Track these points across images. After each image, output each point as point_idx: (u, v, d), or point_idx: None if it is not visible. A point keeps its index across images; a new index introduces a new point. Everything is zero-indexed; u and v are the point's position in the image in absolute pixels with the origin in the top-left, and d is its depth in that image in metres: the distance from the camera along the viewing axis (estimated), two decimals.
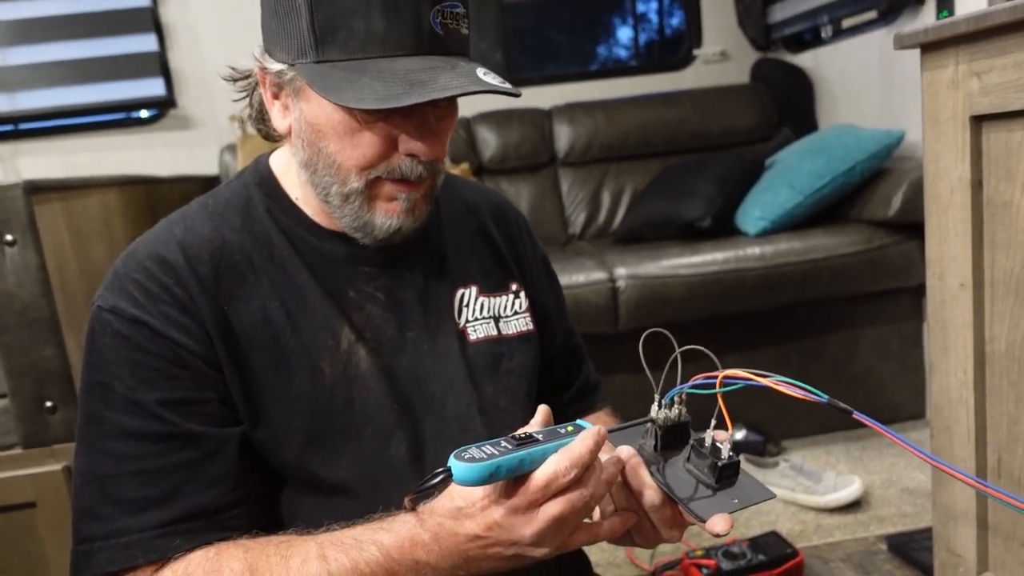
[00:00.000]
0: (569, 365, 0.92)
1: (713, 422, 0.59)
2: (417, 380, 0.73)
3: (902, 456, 1.85)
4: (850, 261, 1.88)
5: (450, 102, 0.67)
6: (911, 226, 1.86)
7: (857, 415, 0.57)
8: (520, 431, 0.56)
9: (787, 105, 2.61)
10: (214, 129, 2.58)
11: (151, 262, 0.67)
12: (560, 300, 0.92)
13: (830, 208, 2.01)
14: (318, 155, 0.67)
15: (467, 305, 0.78)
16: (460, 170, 2.40)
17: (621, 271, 1.88)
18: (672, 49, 3.55)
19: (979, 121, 0.82)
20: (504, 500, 0.54)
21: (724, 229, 2.09)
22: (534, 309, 0.83)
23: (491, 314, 0.79)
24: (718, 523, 0.55)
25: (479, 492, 0.55)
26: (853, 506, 1.64)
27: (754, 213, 2.03)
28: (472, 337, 0.77)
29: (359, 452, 0.69)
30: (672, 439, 0.62)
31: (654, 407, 0.61)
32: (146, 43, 2.56)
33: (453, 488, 0.57)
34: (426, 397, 0.73)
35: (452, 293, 0.78)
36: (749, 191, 2.13)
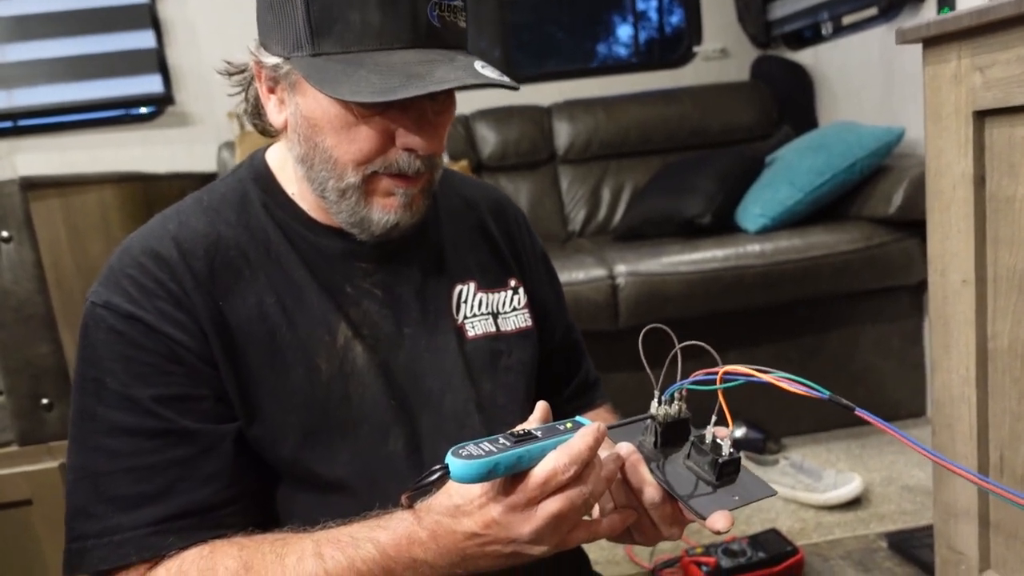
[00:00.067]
0: (568, 361, 0.91)
1: (714, 418, 0.59)
2: (414, 376, 0.72)
3: (902, 454, 1.85)
4: (850, 258, 1.87)
5: (448, 96, 0.67)
6: (911, 223, 1.86)
7: (859, 411, 0.56)
8: (518, 428, 0.55)
9: (787, 102, 2.60)
10: (212, 126, 2.57)
11: (145, 257, 0.66)
12: (559, 296, 0.91)
13: (830, 205, 2.01)
14: (314, 150, 0.66)
15: (465, 301, 0.78)
16: (459, 167, 2.39)
17: (621, 268, 1.87)
18: (672, 47, 3.54)
19: (982, 116, 0.82)
20: (502, 497, 0.53)
21: (724, 226, 2.08)
22: (533, 305, 0.83)
23: (489, 310, 0.79)
24: (719, 520, 0.55)
25: (477, 489, 0.54)
26: (853, 504, 1.63)
27: (754, 210, 2.03)
28: (470, 333, 0.77)
29: (356, 449, 0.68)
30: (672, 436, 0.61)
31: (654, 403, 0.61)
32: (144, 39, 2.55)
33: (451, 485, 0.56)
34: (423, 393, 0.72)
35: (450, 289, 0.77)
36: (749, 188, 2.13)
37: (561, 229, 2.55)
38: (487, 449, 0.51)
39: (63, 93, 2.55)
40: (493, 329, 0.78)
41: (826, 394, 0.55)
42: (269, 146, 0.77)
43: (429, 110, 0.65)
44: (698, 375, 0.58)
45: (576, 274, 1.86)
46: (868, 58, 2.25)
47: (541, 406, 0.60)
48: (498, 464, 0.51)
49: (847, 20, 2.42)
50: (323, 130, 0.65)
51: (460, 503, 0.55)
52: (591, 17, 3.72)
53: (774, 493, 0.60)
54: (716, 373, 0.57)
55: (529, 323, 0.81)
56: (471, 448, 0.51)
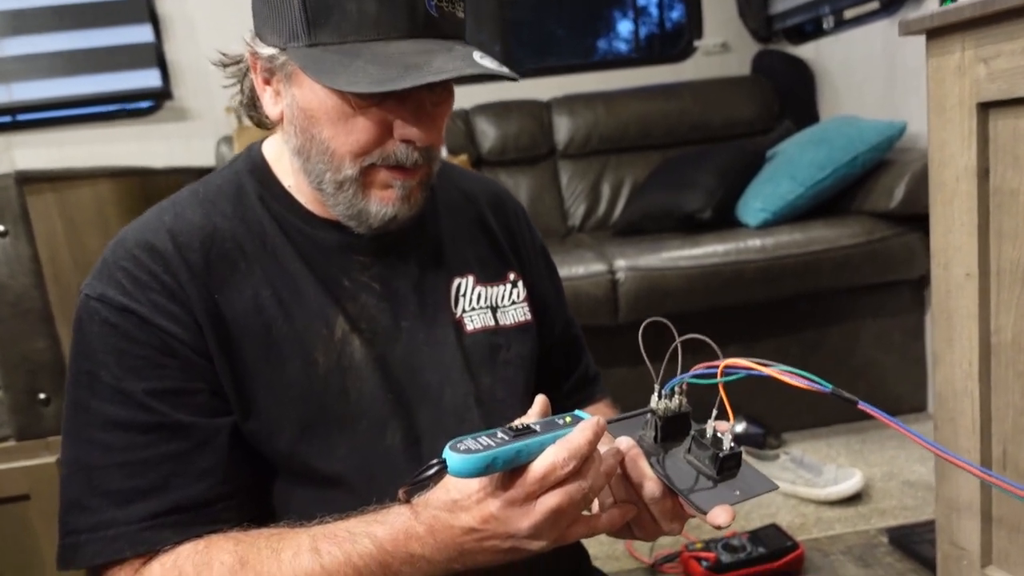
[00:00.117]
0: (568, 356, 0.90)
1: (714, 412, 0.58)
2: (412, 370, 0.72)
3: (903, 449, 1.84)
4: (851, 253, 1.87)
5: (446, 87, 0.66)
6: (913, 218, 1.85)
7: (862, 405, 0.55)
8: (517, 422, 0.54)
9: (788, 97, 2.59)
10: (211, 121, 2.56)
11: (139, 250, 0.65)
12: (559, 290, 0.90)
13: (831, 200, 2.00)
14: (311, 141, 0.65)
15: (464, 295, 0.77)
16: (459, 162, 2.38)
17: (621, 263, 1.87)
18: (672, 41, 3.53)
19: (986, 108, 0.81)
20: (500, 492, 0.52)
21: (725, 221, 2.07)
22: (532, 299, 0.82)
23: (488, 304, 0.78)
24: (719, 515, 0.54)
25: (475, 484, 0.53)
26: (854, 499, 1.63)
27: (755, 205, 2.02)
28: (469, 327, 0.76)
29: (353, 443, 0.68)
30: (672, 430, 0.60)
31: (654, 397, 0.60)
32: (142, 34, 2.54)
33: (448, 480, 0.55)
34: (421, 387, 0.72)
35: (448, 283, 0.76)
36: (750, 183, 2.12)
37: (561, 224, 2.55)
38: (485, 443, 0.50)
39: (60, 88, 2.54)
40: (492, 323, 0.77)
41: (828, 387, 0.55)
42: (266, 138, 0.76)
43: (427, 101, 0.65)
44: (698, 369, 0.58)
45: (576, 269, 1.85)
46: (870, 52, 2.24)
47: (540, 400, 0.60)
48: (496, 458, 0.50)
49: (849, 14, 2.41)
50: (320, 121, 0.64)
51: (458, 498, 0.54)
52: (591, 13, 3.70)
53: (776, 487, 0.59)
54: (717, 367, 0.56)
55: (528, 317, 0.81)
56: (469, 442, 0.51)
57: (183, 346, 0.63)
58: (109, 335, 0.63)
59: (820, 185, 1.95)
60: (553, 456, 0.52)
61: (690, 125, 2.56)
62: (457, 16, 0.64)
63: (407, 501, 0.57)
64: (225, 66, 0.73)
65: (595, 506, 0.60)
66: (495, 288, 0.79)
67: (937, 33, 0.85)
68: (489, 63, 0.61)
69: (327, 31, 0.60)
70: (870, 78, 2.25)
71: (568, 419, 0.55)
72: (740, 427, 1.86)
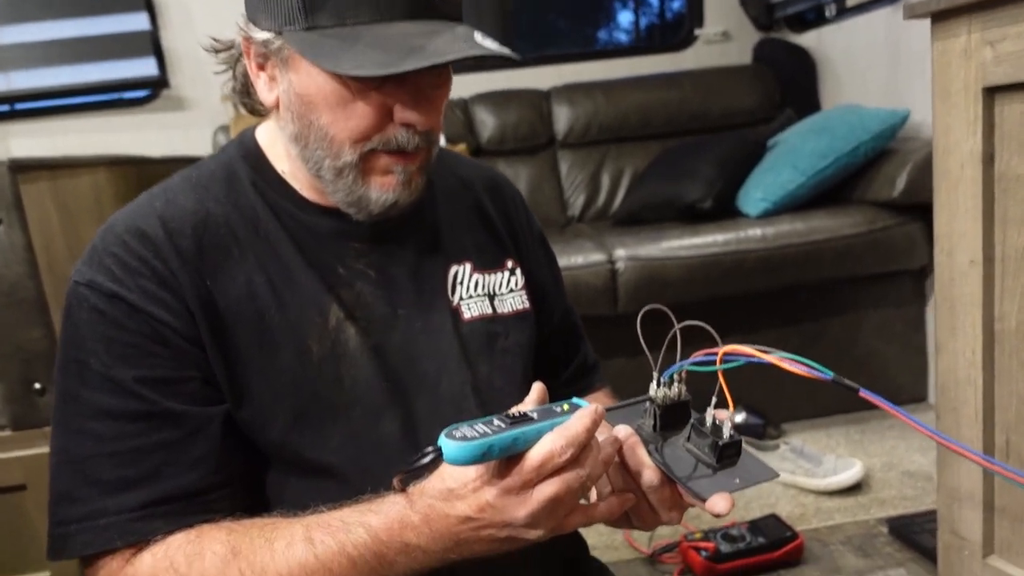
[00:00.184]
0: (567, 344, 0.89)
1: (714, 400, 0.57)
2: (409, 359, 0.71)
3: (903, 439, 1.84)
4: (853, 242, 1.86)
5: (445, 69, 0.65)
6: (915, 207, 1.84)
7: (864, 393, 0.54)
8: (514, 409, 0.54)
9: (790, 85, 2.57)
10: (208, 110, 2.54)
11: (130, 235, 0.64)
12: (557, 278, 0.89)
13: (833, 189, 1.99)
14: (309, 128, 0.64)
15: (461, 282, 0.76)
16: (458, 151, 2.36)
17: (620, 253, 1.85)
18: (673, 31, 3.50)
19: (992, 92, 0.80)
20: (497, 481, 0.52)
21: (725, 211, 2.06)
22: (530, 287, 0.81)
23: (486, 292, 0.77)
24: (719, 502, 0.53)
25: (471, 473, 0.53)
26: (854, 489, 1.62)
27: (756, 194, 2.01)
28: (466, 315, 0.75)
29: (348, 432, 0.67)
30: (672, 419, 0.59)
31: (653, 386, 0.59)
32: (138, 22, 2.52)
33: (444, 468, 0.54)
34: (418, 376, 0.71)
35: (445, 270, 0.75)
36: (751, 172, 2.10)
37: (560, 214, 2.53)
38: (481, 431, 0.50)
39: (56, 76, 2.52)
40: (489, 311, 0.76)
41: (829, 375, 0.54)
42: (259, 124, 0.75)
43: (427, 84, 0.63)
44: (698, 356, 0.57)
45: (575, 259, 1.84)
46: (873, 40, 2.22)
47: (537, 387, 0.59)
48: (493, 446, 0.49)
49: (851, 1, 2.38)
50: (318, 107, 0.63)
51: (454, 486, 0.53)
52: (591, 2, 3.67)
53: (777, 475, 0.58)
54: (716, 354, 0.55)
55: (526, 305, 0.80)
56: (465, 430, 0.50)
57: (174, 334, 0.62)
58: (98, 322, 0.62)
59: (821, 174, 1.94)
60: (550, 444, 0.51)
61: (690, 114, 2.54)
62: None
63: (402, 490, 0.56)
64: (217, 52, 0.72)
65: (593, 495, 0.59)
66: (493, 275, 0.78)
67: (942, 16, 0.83)
68: (491, 44, 0.60)
69: (325, 14, 0.59)
70: (873, 66, 2.23)
71: (566, 407, 0.54)
72: (740, 417, 1.85)
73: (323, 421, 0.66)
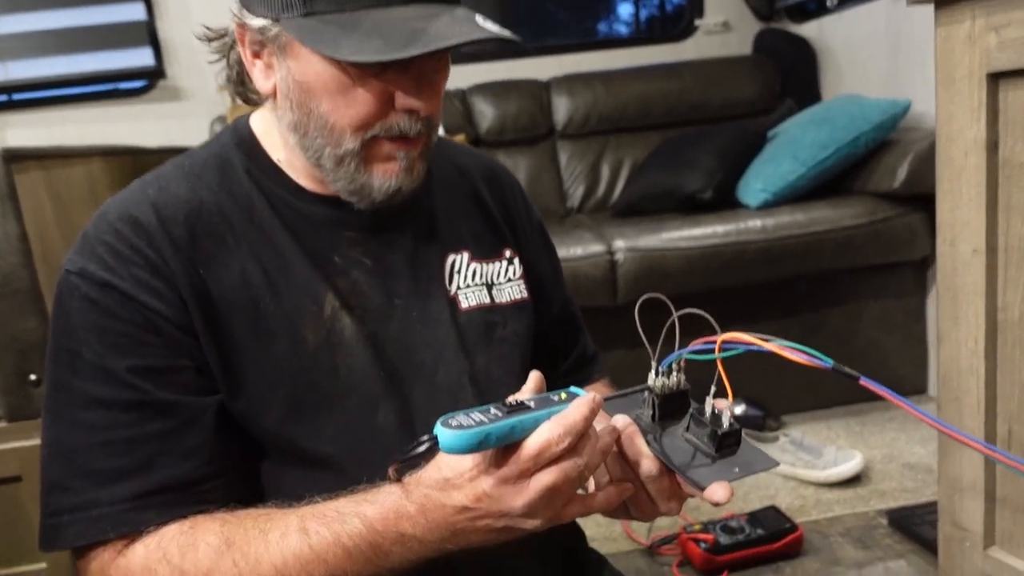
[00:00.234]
0: (566, 335, 0.89)
1: (713, 389, 0.56)
2: (406, 348, 0.70)
3: (903, 431, 1.83)
4: (853, 233, 1.85)
5: (444, 53, 0.63)
6: (916, 198, 1.83)
7: (864, 380, 0.54)
8: (511, 398, 0.53)
9: (790, 76, 2.56)
10: (205, 100, 2.52)
11: (122, 223, 0.63)
12: (557, 268, 0.89)
13: (834, 180, 1.98)
14: (308, 116, 0.63)
15: (458, 271, 0.75)
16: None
17: (620, 244, 1.85)
18: (673, 21, 3.48)
19: (996, 79, 0.78)
20: (494, 470, 0.51)
21: (725, 202, 2.05)
22: (529, 276, 0.80)
23: (483, 281, 0.76)
24: (717, 491, 0.52)
25: (467, 462, 0.52)
26: (853, 481, 1.62)
27: (756, 185, 2.00)
28: (464, 305, 0.74)
29: (344, 422, 0.66)
30: (671, 408, 0.59)
31: (651, 375, 0.58)
32: (134, 12, 2.50)
33: (440, 458, 0.54)
34: (415, 365, 0.70)
35: (442, 259, 0.74)
36: (751, 163, 2.09)
37: (559, 205, 2.52)
38: (478, 419, 0.49)
39: (52, 66, 2.50)
40: (487, 300, 0.76)
41: (829, 363, 0.53)
42: (253, 112, 0.74)
43: (429, 69, 0.62)
44: (697, 344, 0.56)
45: (574, 250, 1.83)
46: (874, 29, 2.20)
47: (534, 376, 0.58)
48: (489, 435, 0.48)
49: None
50: (317, 95, 0.62)
51: (450, 476, 0.53)
52: None
53: (776, 464, 0.58)
54: (715, 342, 0.54)
55: (524, 295, 0.79)
56: (461, 418, 0.49)
57: (167, 323, 0.61)
58: (90, 311, 0.61)
59: (822, 165, 1.92)
60: (548, 432, 0.50)
61: (690, 105, 2.53)
62: None
63: (397, 479, 0.55)
64: (210, 40, 0.71)
65: (591, 485, 0.59)
66: (491, 265, 0.77)
67: (946, 2, 0.82)
68: (492, 26, 0.59)
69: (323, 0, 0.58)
70: (874, 56, 2.21)
71: (563, 395, 0.54)
72: (739, 409, 1.85)
73: (318, 411, 0.66)
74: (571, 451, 0.51)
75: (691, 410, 0.58)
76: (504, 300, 0.77)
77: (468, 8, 0.62)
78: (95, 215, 0.66)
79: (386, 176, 0.65)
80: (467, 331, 0.73)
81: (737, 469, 0.55)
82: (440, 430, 0.49)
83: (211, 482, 0.62)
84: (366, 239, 0.70)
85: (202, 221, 0.65)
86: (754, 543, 1.38)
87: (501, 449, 0.51)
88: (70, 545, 0.59)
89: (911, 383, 1.98)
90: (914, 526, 1.41)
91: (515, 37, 0.60)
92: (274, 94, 0.66)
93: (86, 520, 0.58)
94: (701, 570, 1.37)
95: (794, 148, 1.98)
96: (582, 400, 0.52)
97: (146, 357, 0.61)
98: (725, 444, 0.56)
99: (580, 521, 0.81)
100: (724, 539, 1.37)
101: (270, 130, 0.70)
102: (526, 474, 0.50)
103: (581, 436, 0.51)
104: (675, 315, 0.56)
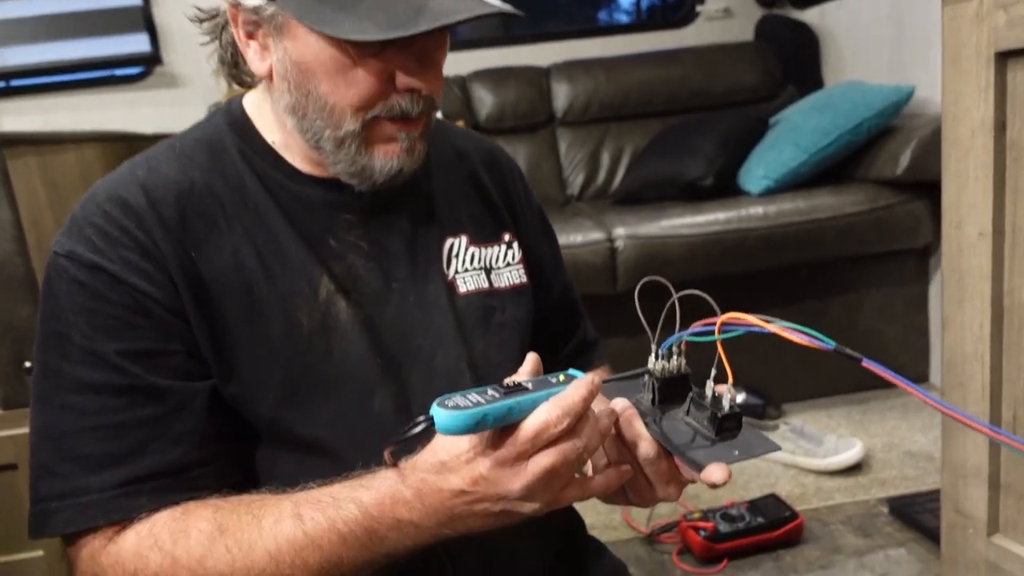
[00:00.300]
0: (566, 320, 0.88)
1: (713, 372, 0.55)
2: (403, 333, 0.69)
3: (904, 419, 1.83)
4: (855, 221, 1.83)
5: (443, 29, 0.62)
6: (919, 185, 1.81)
7: (866, 362, 0.53)
8: (508, 379, 0.52)
9: (792, 62, 2.53)
10: (201, 87, 2.50)
11: (111, 204, 0.62)
12: (556, 253, 0.87)
13: (836, 167, 1.96)
14: (307, 98, 0.61)
15: (457, 256, 0.74)
16: None
17: (620, 231, 1.83)
18: (674, 7, 3.45)
19: (1004, 58, 0.77)
20: (491, 452, 0.50)
21: (727, 189, 2.04)
22: (528, 261, 0.79)
23: (482, 265, 0.75)
24: (714, 471, 0.51)
25: (464, 445, 0.51)
26: (854, 469, 1.62)
27: (757, 172, 1.98)
28: (462, 289, 0.73)
29: (339, 407, 0.65)
30: (671, 393, 0.57)
31: (651, 358, 0.57)
32: None
33: (436, 442, 0.53)
34: (412, 351, 0.69)
35: (440, 242, 0.73)
36: (752, 150, 2.08)
37: (559, 193, 2.51)
38: (475, 400, 0.48)
39: (47, 52, 2.48)
40: (486, 285, 0.74)
41: (831, 344, 0.52)
42: (246, 92, 0.72)
43: (430, 46, 0.61)
44: (697, 326, 0.55)
45: (574, 237, 1.81)
46: (876, 15, 2.18)
47: (531, 358, 0.57)
48: (487, 415, 0.47)
49: None
50: (316, 76, 0.60)
51: (446, 459, 0.51)
52: None
53: (777, 448, 0.56)
54: (716, 323, 0.53)
55: (524, 279, 0.77)
56: (458, 399, 0.48)
57: (157, 305, 0.60)
58: (78, 294, 0.59)
59: (824, 152, 1.91)
60: (546, 414, 0.49)
61: (692, 92, 2.51)
62: None
63: (393, 463, 0.54)
64: (201, 21, 0.69)
65: (588, 469, 0.58)
66: (489, 249, 0.76)
67: None
68: (496, 0, 0.57)
69: None
70: (876, 42, 2.19)
71: (562, 377, 0.53)
72: (740, 397, 1.84)
73: (314, 396, 0.65)
74: (570, 433, 0.50)
75: (691, 394, 0.57)
76: (503, 285, 0.75)
77: None
78: (84, 196, 0.64)
79: (388, 157, 0.63)
80: (465, 316, 0.72)
81: (737, 452, 0.54)
82: (436, 411, 0.48)
83: (203, 468, 0.61)
84: (363, 222, 0.69)
85: (193, 202, 0.64)
86: (754, 531, 1.37)
87: (498, 431, 0.50)
88: (60, 532, 0.58)
89: (912, 372, 1.97)
90: (915, 514, 1.40)
91: (519, 12, 0.59)
92: (270, 76, 0.64)
93: (76, 507, 0.57)
94: (701, 558, 1.37)
95: (796, 135, 1.97)
96: (581, 381, 0.51)
97: (136, 340, 0.59)
98: (725, 427, 0.54)
99: (579, 508, 0.80)
100: (724, 527, 1.37)
101: (264, 111, 0.69)
102: (524, 456, 0.49)
103: (580, 417, 0.50)
104: (675, 296, 0.55)
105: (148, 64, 2.52)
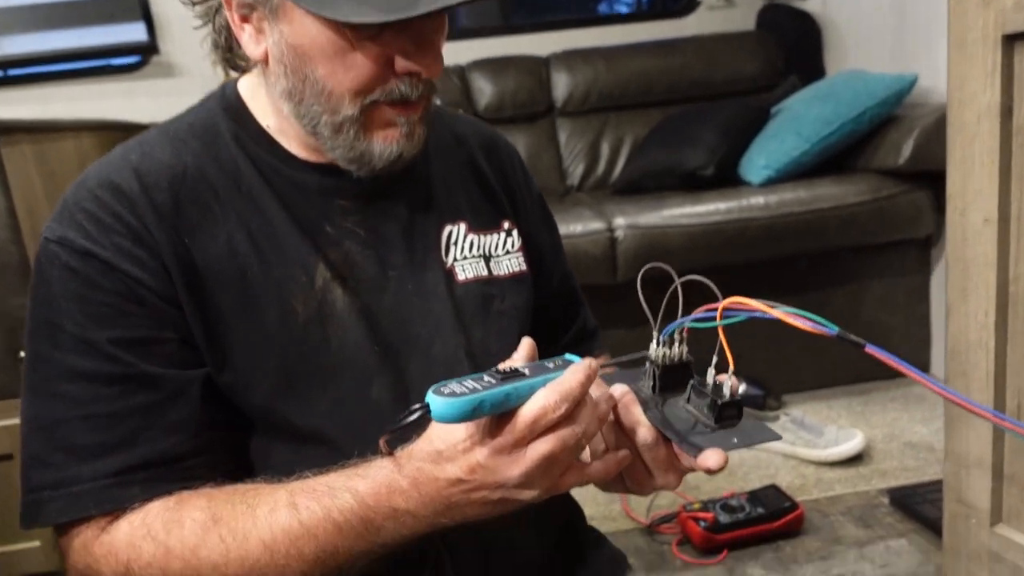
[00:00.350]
0: (566, 308, 0.87)
1: (714, 359, 0.54)
2: (401, 321, 0.68)
3: (905, 410, 1.82)
4: (857, 211, 1.82)
5: (444, 13, 0.61)
6: (921, 175, 1.80)
7: (870, 348, 0.52)
8: (504, 364, 0.51)
9: (794, 52, 2.52)
10: (199, 77, 2.48)
11: (103, 190, 0.61)
12: (556, 240, 0.86)
13: (838, 156, 1.95)
14: (304, 82, 0.60)
15: (455, 243, 0.73)
16: None
17: (620, 221, 1.82)
18: None
19: (1011, 41, 0.76)
20: (488, 439, 0.49)
21: (728, 179, 2.02)
22: (528, 249, 0.78)
23: (481, 253, 0.74)
24: (710, 456, 0.50)
25: (461, 433, 0.50)
26: (855, 460, 1.61)
27: (759, 162, 1.97)
28: (460, 277, 0.72)
29: (336, 397, 0.64)
30: (672, 380, 0.57)
31: (652, 345, 0.56)
32: None
33: (433, 430, 0.52)
34: (410, 339, 0.68)
35: (439, 229, 0.72)
36: (754, 139, 2.06)
37: (559, 183, 2.49)
38: (471, 387, 0.47)
39: (43, 42, 2.46)
40: (485, 272, 0.73)
41: (835, 330, 0.51)
42: (240, 76, 0.71)
43: (430, 28, 0.60)
44: (699, 312, 0.54)
45: (574, 227, 1.80)
46: (879, 3, 2.17)
47: (526, 342, 0.56)
48: (483, 402, 0.46)
49: None
50: (313, 59, 0.59)
51: (442, 448, 0.51)
52: None
53: (778, 437, 0.56)
54: (718, 308, 0.52)
55: (523, 267, 0.76)
56: (454, 386, 0.47)
57: (150, 293, 0.59)
58: (70, 281, 0.58)
59: (826, 141, 1.89)
60: (544, 399, 0.48)
61: (692, 82, 2.49)
62: None
63: (389, 452, 0.53)
64: (194, 4, 0.68)
65: (586, 455, 0.57)
66: (488, 236, 0.75)
67: None
68: None
69: None
70: (879, 31, 2.18)
71: (559, 362, 0.52)
72: (740, 388, 1.83)
73: (310, 385, 0.64)
74: (568, 418, 0.49)
75: (692, 382, 0.56)
76: (502, 273, 0.74)
77: None
78: (75, 182, 0.63)
79: (387, 142, 0.62)
80: (464, 304, 0.71)
81: (736, 440, 0.53)
82: (432, 398, 0.47)
83: (197, 457, 0.60)
84: (360, 208, 0.68)
85: (186, 187, 0.63)
86: (754, 522, 1.37)
87: (495, 418, 0.49)
88: (52, 522, 0.57)
89: (913, 362, 1.88)
90: (916, 505, 1.40)
91: None
92: (265, 60, 0.63)
93: (68, 496, 0.57)
94: (701, 549, 1.37)
95: (798, 124, 1.95)
96: (578, 366, 0.50)
97: (129, 328, 0.58)
98: (725, 415, 0.54)
99: (579, 499, 0.80)
100: (724, 518, 1.36)
101: (258, 95, 0.68)
102: (522, 443, 0.49)
103: (578, 403, 0.49)
104: (677, 281, 0.54)
105: (145, 53, 2.50)
